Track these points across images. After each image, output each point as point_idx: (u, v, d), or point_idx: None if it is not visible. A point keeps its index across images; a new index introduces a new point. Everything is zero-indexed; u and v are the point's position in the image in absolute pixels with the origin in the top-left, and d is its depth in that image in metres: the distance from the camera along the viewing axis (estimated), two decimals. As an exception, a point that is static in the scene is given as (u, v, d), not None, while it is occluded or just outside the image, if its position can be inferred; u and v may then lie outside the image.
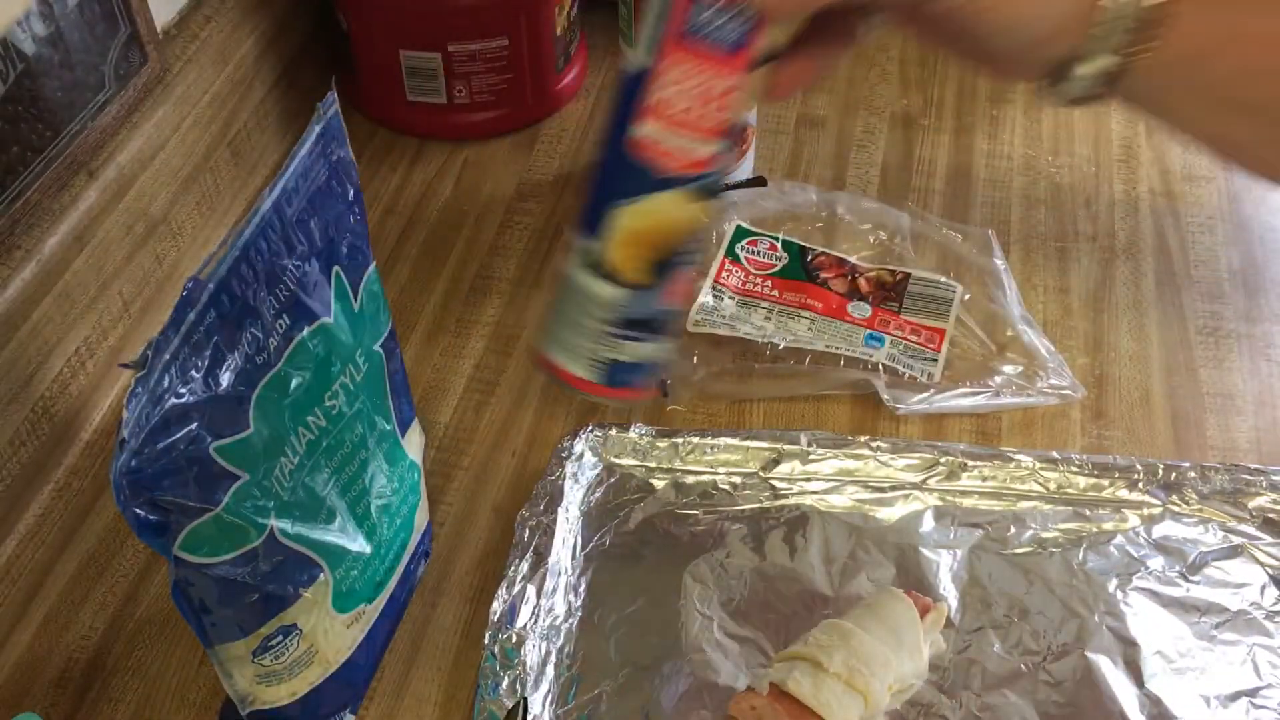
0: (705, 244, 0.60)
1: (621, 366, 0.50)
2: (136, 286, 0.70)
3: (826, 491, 0.65)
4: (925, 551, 0.62)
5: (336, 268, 0.50)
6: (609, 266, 0.48)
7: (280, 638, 0.51)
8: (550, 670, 0.58)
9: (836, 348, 0.71)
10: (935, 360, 0.70)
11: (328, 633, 0.53)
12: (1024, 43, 0.49)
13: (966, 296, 0.74)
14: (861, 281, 0.75)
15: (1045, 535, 0.62)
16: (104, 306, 0.67)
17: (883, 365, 0.70)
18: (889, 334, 0.71)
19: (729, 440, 0.66)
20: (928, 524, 0.63)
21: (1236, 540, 0.62)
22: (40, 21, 0.61)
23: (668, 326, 0.51)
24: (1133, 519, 0.63)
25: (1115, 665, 0.57)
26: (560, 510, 0.63)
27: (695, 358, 0.71)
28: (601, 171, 0.48)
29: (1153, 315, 0.74)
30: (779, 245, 0.77)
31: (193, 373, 0.43)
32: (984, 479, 0.65)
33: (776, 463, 0.65)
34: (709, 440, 0.66)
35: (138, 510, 0.44)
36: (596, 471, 0.66)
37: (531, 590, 0.59)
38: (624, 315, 0.49)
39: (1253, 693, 0.57)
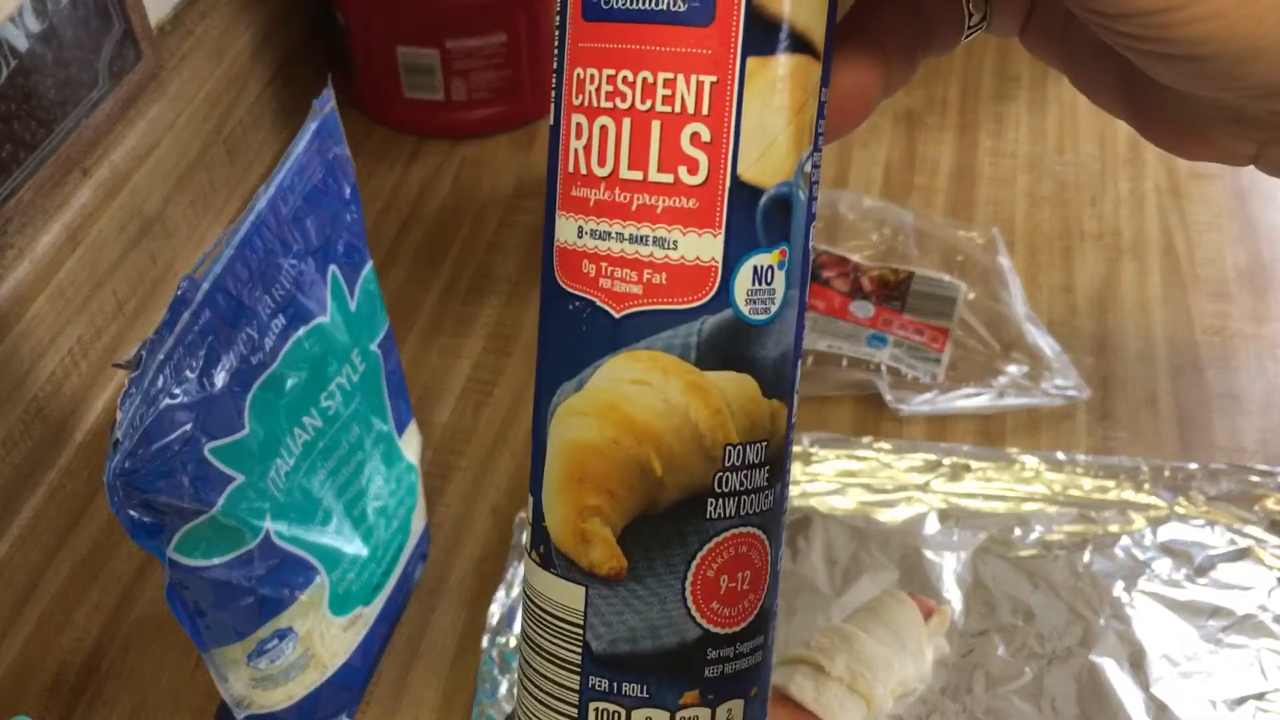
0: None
1: None
2: (131, 286, 0.69)
3: (829, 493, 0.64)
4: (929, 554, 0.61)
5: (333, 267, 0.50)
6: (553, 539, 0.27)
7: (276, 641, 0.50)
8: (550, 674, 0.57)
9: (839, 348, 0.70)
10: (939, 360, 0.70)
11: (324, 636, 0.53)
12: (1251, 82, 0.27)
13: (970, 296, 0.73)
14: (864, 281, 0.74)
15: (1050, 537, 0.62)
16: (98, 306, 0.67)
17: (885, 366, 0.69)
18: (892, 334, 0.71)
19: (730, 441, 0.65)
20: (931, 526, 0.63)
21: (1243, 542, 0.62)
22: (34, 18, 0.60)
23: (707, 674, 0.27)
24: (1139, 521, 0.63)
25: (1121, 669, 0.57)
26: (560, 512, 0.62)
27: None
28: (538, 351, 0.29)
29: (1159, 315, 0.74)
30: (780, 244, 0.76)
31: (187, 373, 0.43)
32: (988, 481, 0.64)
33: (778, 464, 0.65)
34: (710, 441, 0.65)
35: (132, 512, 0.43)
36: (596, 473, 0.65)
37: (531, 593, 0.59)
38: (596, 644, 0.27)
39: (1260, 696, 0.56)
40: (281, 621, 0.50)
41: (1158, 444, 0.67)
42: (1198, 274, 0.76)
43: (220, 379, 0.44)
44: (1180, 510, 0.63)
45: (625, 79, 0.25)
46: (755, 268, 0.26)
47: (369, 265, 0.53)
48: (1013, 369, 0.70)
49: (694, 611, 0.27)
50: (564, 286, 0.27)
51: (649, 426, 0.26)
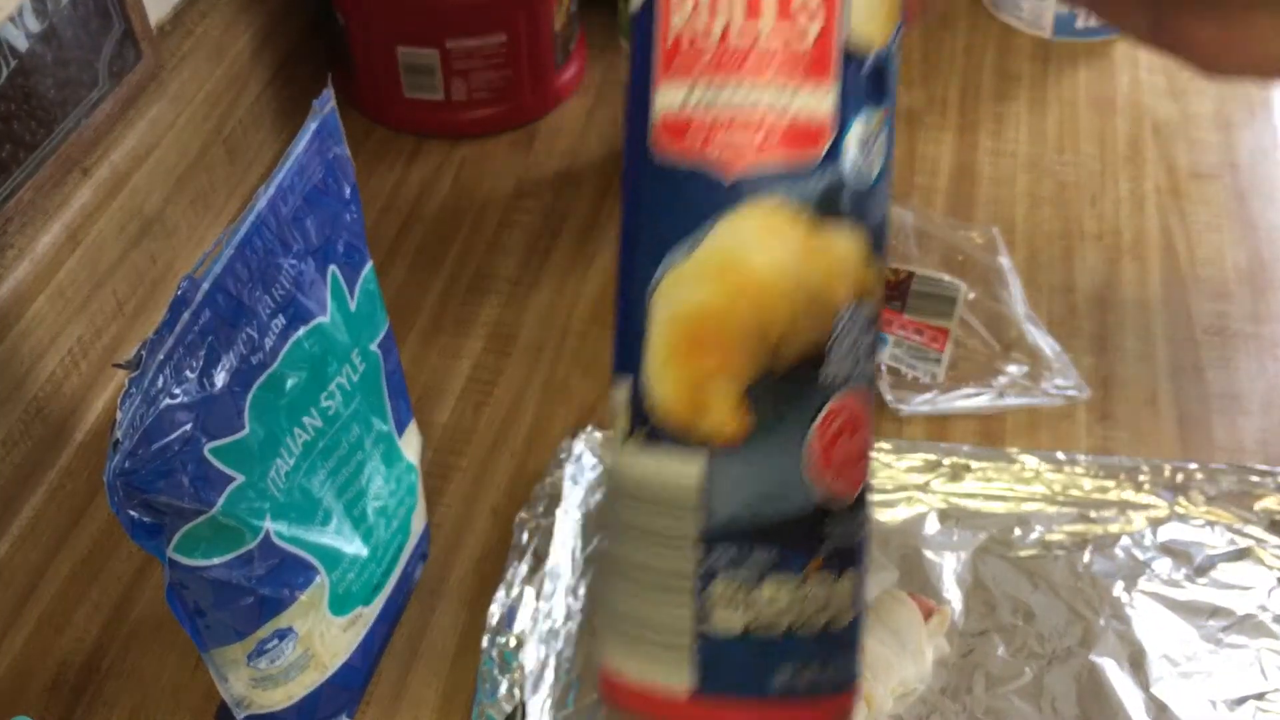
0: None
1: (739, 648, 0.25)
2: (131, 286, 0.69)
3: (829, 493, 0.64)
4: (929, 554, 0.61)
5: (333, 267, 0.50)
6: (664, 412, 0.26)
7: (276, 641, 0.50)
8: (549, 674, 0.57)
9: (839, 347, 0.70)
10: (939, 360, 0.70)
11: (324, 636, 0.53)
12: None
13: (970, 296, 0.73)
14: (864, 280, 0.74)
15: (1050, 538, 0.62)
16: (98, 306, 0.67)
17: (885, 366, 0.69)
18: (892, 334, 0.71)
19: (730, 441, 0.65)
20: (931, 526, 0.63)
21: (1244, 542, 0.62)
22: (34, 18, 0.60)
23: (826, 539, 0.26)
24: (1138, 521, 0.63)
25: (1121, 669, 0.57)
26: (559, 512, 0.62)
27: (696, 357, 0.71)
28: (623, 236, 0.28)
29: (1159, 315, 0.74)
30: (780, 244, 0.76)
31: (187, 373, 0.43)
32: (988, 481, 0.64)
33: (778, 464, 0.65)
34: (710, 441, 0.65)
35: (132, 512, 0.43)
36: (596, 473, 0.65)
37: (530, 593, 0.59)
38: (719, 512, 0.26)
39: (1260, 696, 0.56)
40: (281, 621, 0.50)
41: (1158, 444, 0.67)
42: (1198, 274, 0.76)
43: (220, 379, 0.44)
44: (1180, 510, 0.63)
45: None
46: (864, 127, 0.26)
47: (369, 265, 0.53)
48: (1013, 369, 0.70)
49: (814, 475, 0.26)
50: (666, 157, 0.26)
51: (766, 288, 0.25)
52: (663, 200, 0.26)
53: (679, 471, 0.26)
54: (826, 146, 0.25)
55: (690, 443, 0.26)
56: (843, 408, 0.27)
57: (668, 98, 0.26)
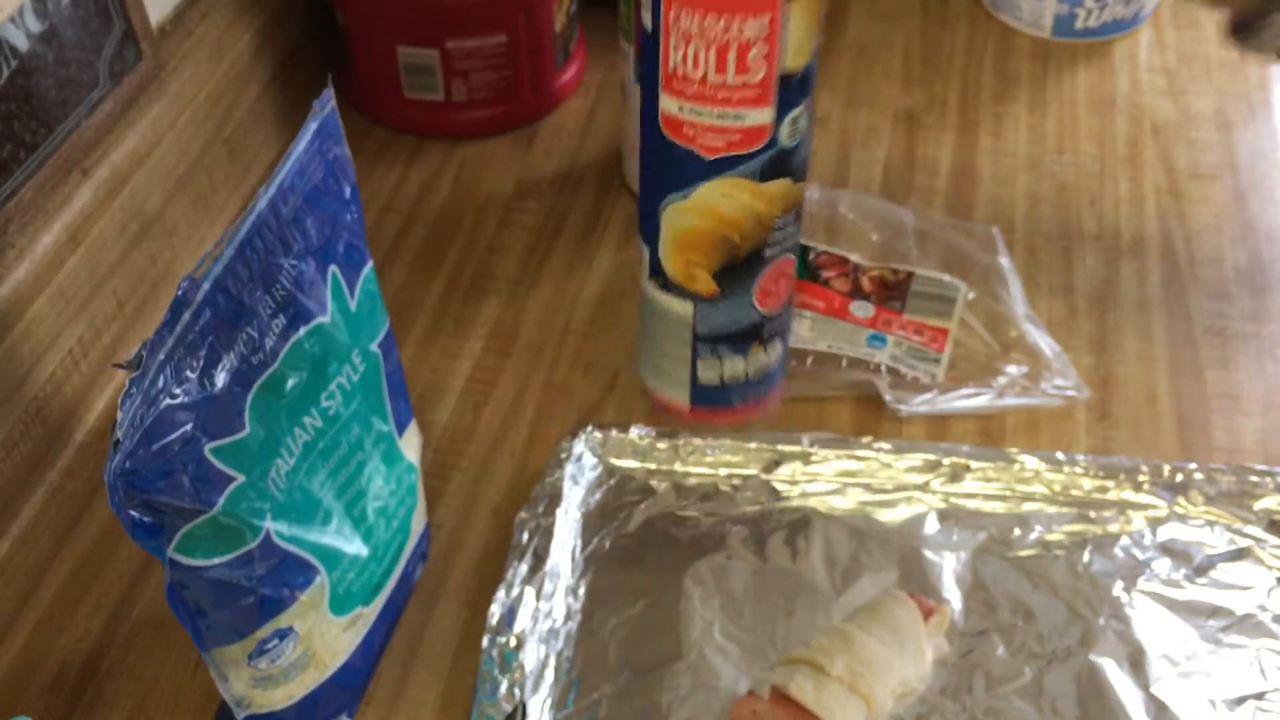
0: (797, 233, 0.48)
1: (724, 389, 0.46)
2: (131, 286, 0.70)
3: (828, 493, 0.64)
4: (928, 554, 0.61)
5: (333, 267, 0.50)
6: (674, 276, 0.43)
7: (276, 641, 0.51)
8: (549, 674, 0.57)
9: (838, 348, 0.70)
10: (938, 361, 0.70)
11: (324, 636, 0.53)
12: None
13: (970, 296, 0.73)
14: (864, 280, 0.74)
15: (1050, 537, 0.62)
16: (98, 306, 0.67)
17: (885, 366, 0.69)
18: (892, 334, 0.71)
19: (730, 441, 0.65)
20: (931, 526, 0.63)
21: (1243, 542, 0.62)
22: (34, 18, 0.60)
23: (765, 334, 0.45)
24: (1138, 521, 0.63)
25: (1121, 669, 0.57)
26: (559, 512, 0.62)
27: (696, 358, 0.71)
28: (642, 169, 0.43)
29: (1158, 315, 0.74)
30: (780, 244, 0.76)
31: (187, 373, 0.43)
32: (988, 481, 0.64)
33: (778, 464, 0.65)
34: (710, 441, 0.65)
35: (132, 512, 0.43)
36: (596, 473, 0.65)
37: (530, 593, 0.59)
38: (705, 330, 0.44)
39: (1259, 696, 0.56)
40: (282, 621, 0.50)
41: (1157, 444, 0.67)
42: (1197, 274, 0.76)
43: (221, 379, 0.44)
44: (1180, 510, 0.63)
45: (711, 19, 0.38)
46: (792, 117, 0.41)
47: (369, 265, 0.53)
48: (1012, 369, 0.70)
49: (756, 305, 0.46)
50: (670, 139, 0.42)
51: (728, 220, 0.43)
52: (667, 164, 0.42)
53: (680, 308, 0.46)
54: (768, 140, 0.41)
55: (685, 295, 0.45)
56: (775, 269, 0.46)
57: (667, 104, 0.41)
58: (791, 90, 0.40)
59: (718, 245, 0.42)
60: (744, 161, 0.40)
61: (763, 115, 0.39)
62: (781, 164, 0.41)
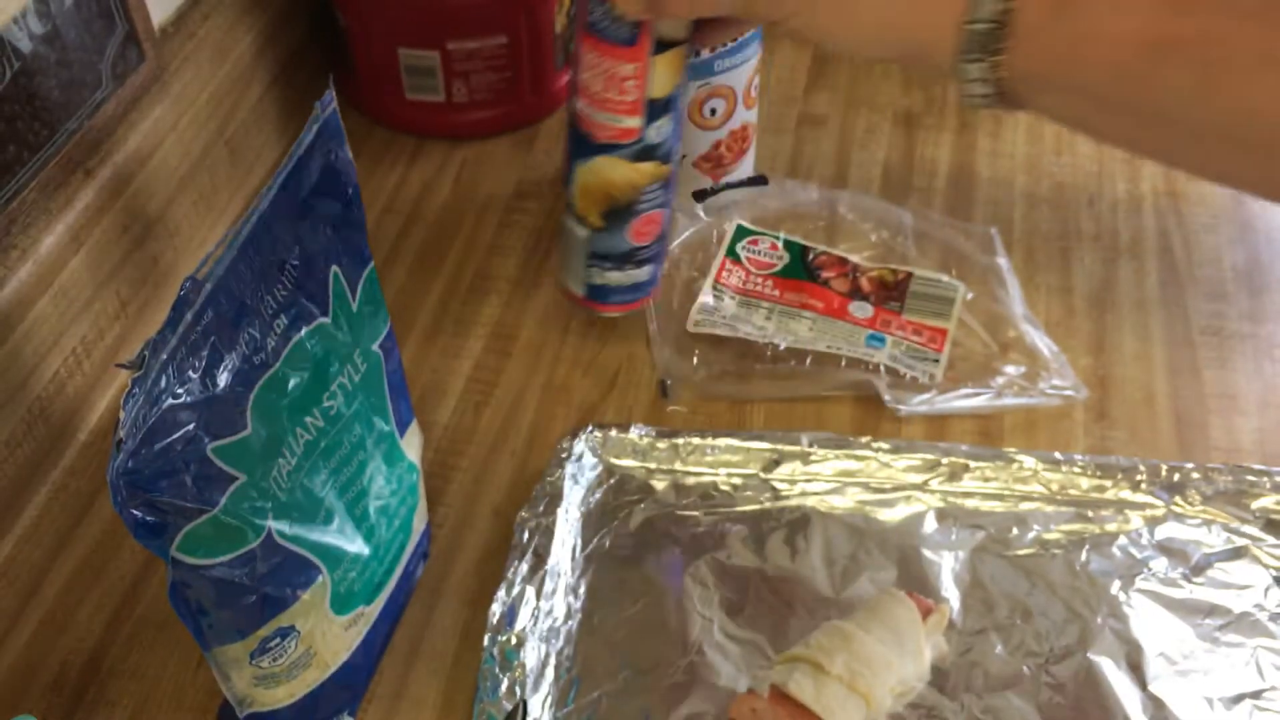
0: (655, 194, 0.64)
1: (606, 289, 0.65)
2: (133, 286, 0.70)
3: (828, 493, 0.64)
4: (927, 553, 0.62)
5: (335, 267, 0.50)
6: (578, 212, 0.62)
7: (278, 640, 0.51)
8: (550, 672, 0.57)
9: (838, 348, 0.70)
10: (937, 361, 0.70)
11: (326, 635, 0.53)
12: (892, 53, 0.55)
13: (969, 296, 0.74)
14: (863, 281, 0.74)
15: (1048, 537, 0.62)
16: (101, 306, 0.67)
17: (884, 366, 0.70)
18: (891, 334, 0.71)
19: (729, 441, 0.66)
20: (929, 525, 0.63)
21: (1240, 542, 0.62)
22: (37, 19, 0.61)
23: (637, 259, 0.64)
24: (1136, 520, 0.63)
25: (1118, 667, 0.57)
26: (560, 511, 0.62)
27: (695, 358, 0.71)
28: (566, 135, 0.61)
29: (1156, 315, 0.74)
30: (780, 244, 0.76)
31: (190, 373, 0.43)
32: (986, 480, 0.64)
33: (777, 464, 0.65)
34: (709, 441, 0.65)
35: (135, 511, 0.44)
36: (596, 472, 0.65)
37: (531, 592, 0.59)
38: (595, 250, 0.63)
39: (1256, 695, 0.56)
40: (283, 620, 0.50)
41: (1155, 444, 0.67)
42: (1195, 274, 0.76)
43: (223, 379, 0.44)
44: (1177, 509, 0.63)
45: (603, 61, 0.56)
46: (656, 126, 0.58)
47: (370, 266, 0.53)
48: (1011, 369, 0.70)
49: (632, 239, 0.63)
50: (578, 125, 0.59)
51: (614, 181, 0.60)
52: (576, 140, 0.59)
53: (581, 233, 0.63)
54: (638, 137, 0.58)
55: (584, 225, 0.62)
56: (645, 218, 0.62)
57: (577, 102, 0.58)
58: (656, 109, 0.57)
59: (605, 197, 0.60)
60: (622, 148, 0.57)
61: (634, 122, 0.57)
62: (649, 152, 0.58)
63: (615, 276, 0.63)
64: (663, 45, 0.54)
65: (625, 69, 0.54)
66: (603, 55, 0.54)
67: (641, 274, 0.64)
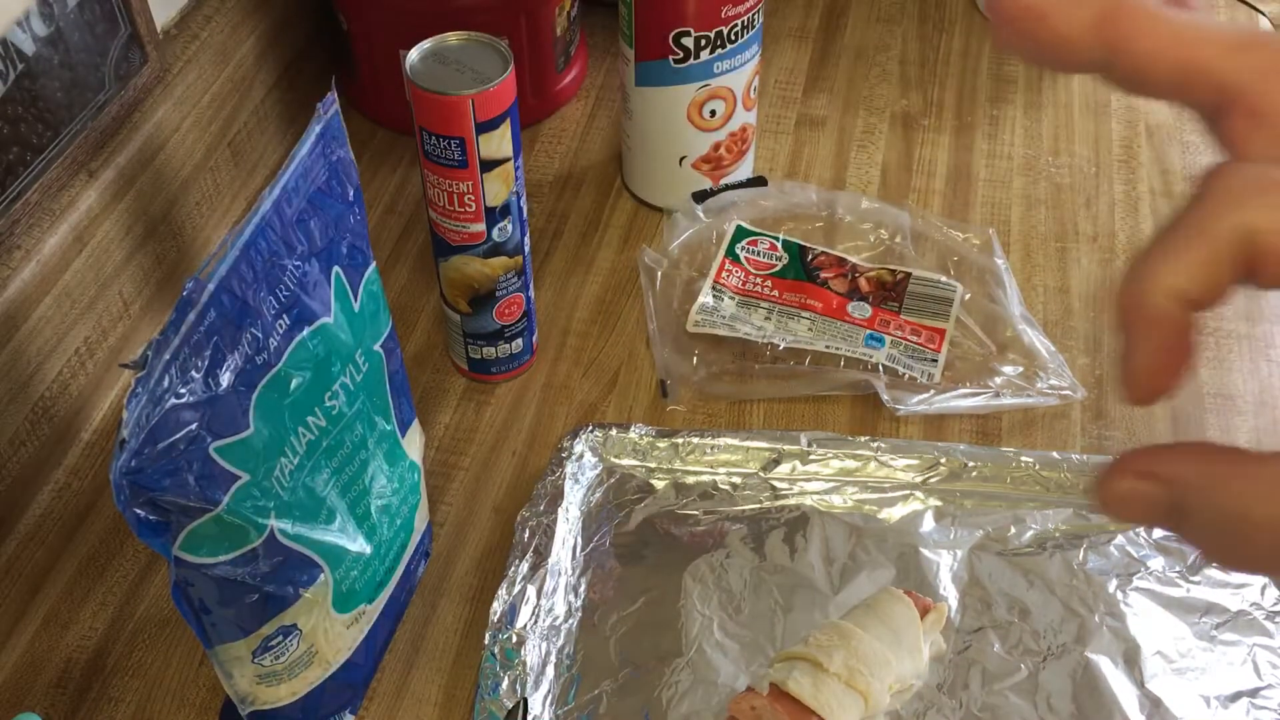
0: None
1: (485, 362, 0.70)
2: (136, 287, 0.70)
3: (826, 492, 0.65)
4: (925, 552, 0.62)
5: (336, 268, 0.50)
6: (449, 300, 0.68)
7: (280, 638, 0.51)
8: (550, 670, 0.58)
9: (836, 348, 0.71)
10: (935, 361, 0.70)
11: (328, 633, 0.53)
12: None
13: (967, 296, 0.74)
14: (862, 281, 0.75)
15: (1045, 535, 0.62)
16: (104, 307, 0.67)
17: (883, 366, 0.70)
18: (889, 334, 0.71)
19: (729, 440, 0.66)
20: (928, 524, 0.63)
21: (1237, 540, 0.62)
22: (40, 21, 0.61)
23: (506, 336, 0.69)
24: (1133, 519, 0.63)
25: (1116, 665, 0.57)
26: (560, 510, 0.63)
27: (695, 358, 0.71)
28: (431, 240, 0.67)
29: (1153, 315, 0.74)
30: (779, 245, 0.77)
31: (193, 373, 0.43)
32: (984, 479, 0.65)
33: (776, 463, 0.65)
34: (709, 440, 0.66)
35: (138, 510, 0.44)
36: (596, 472, 0.66)
37: (531, 590, 0.59)
38: (468, 331, 0.69)
39: (1253, 693, 0.57)
40: (285, 618, 0.51)
41: (1152, 443, 0.67)
42: (1193, 275, 0.76)
43: (225, 379, 0.45)
44: (1174, 509, 0.63)
45: (443, 179, 0.62)
46: (499, 228, 0.64)
47: (372, 266, 0.53)
48: (1009, 369, 0.70)
49: (499, 320, 0.68)
50: (435, 232, 0.65)
51: (471, 275, 0.66)
52: (437, 242, 0.66)
53: (454, 317, 0.69)
54: (484, 239, 0.64)
55: (456, 311, 0.68)
56: (505, 301, 0.68)
57: (430, 213, 0.65)
58: (496, 215, 0.64)
59: (467, 288, 0.66)
60: (473, 248, 0.64)
61: (479, 227, 0.63)
62: (497, 249, 0.65)
63: (490, 351, 0.70)
64: (489, 164, 0.61)
65: (461, 186, 0.61)
66: (441, 176, 0.61)
67: (514, 346, 0.70)
